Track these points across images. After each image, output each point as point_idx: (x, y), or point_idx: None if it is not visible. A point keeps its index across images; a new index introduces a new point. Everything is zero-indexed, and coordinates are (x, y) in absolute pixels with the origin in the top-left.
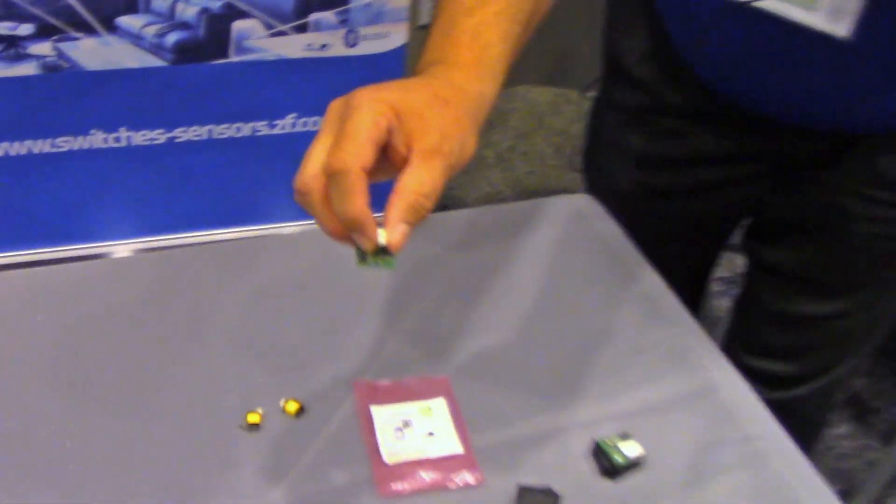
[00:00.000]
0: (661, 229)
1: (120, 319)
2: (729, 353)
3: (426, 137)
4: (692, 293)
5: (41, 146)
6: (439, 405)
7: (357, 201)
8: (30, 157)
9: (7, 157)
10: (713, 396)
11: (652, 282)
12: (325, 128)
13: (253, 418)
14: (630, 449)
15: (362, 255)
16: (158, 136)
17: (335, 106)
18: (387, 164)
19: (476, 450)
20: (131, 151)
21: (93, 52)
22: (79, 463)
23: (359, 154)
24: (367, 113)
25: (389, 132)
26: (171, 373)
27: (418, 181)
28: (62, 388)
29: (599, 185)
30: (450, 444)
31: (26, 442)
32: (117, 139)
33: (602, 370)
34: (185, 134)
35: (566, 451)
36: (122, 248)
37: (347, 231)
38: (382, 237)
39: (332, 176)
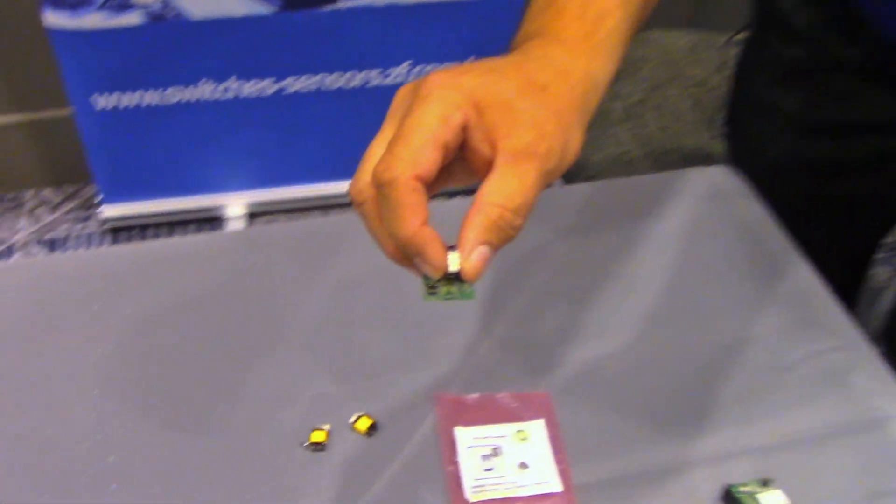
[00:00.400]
0: (818, 212)
1: (187, 312)
2: (892, 338)
3: (515, 135)
4: (849, 294)
5: (151, 97)
6: (537, 429)
7: (407, 218)
8: (140, 110)
9: (117, 110)
10: (880, 431)
11: (805, 279)
12: (388, 122)
13: (318, 436)
14: (772, 500)
15: (431, 285)
16: (268, 86)
17: (402, 93)
18: (465, 168)
19: (578, 487)
20: (241, 103)
21: (198, 0)
22: (120, 481)
23: (413, 160)
24: (436, 105)
25: (465, 129)
26: (233, 378)
27: (504, 192)
28: (111, 391)
29: (744, 153)
30: (547, 478)
31: (65, 451)
32: (226, 90)
33: (737, 392)
34: (295, 84)
35: (689, 496)
36: (233, 201)
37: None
38: (454, 263)
39: (378, 187)
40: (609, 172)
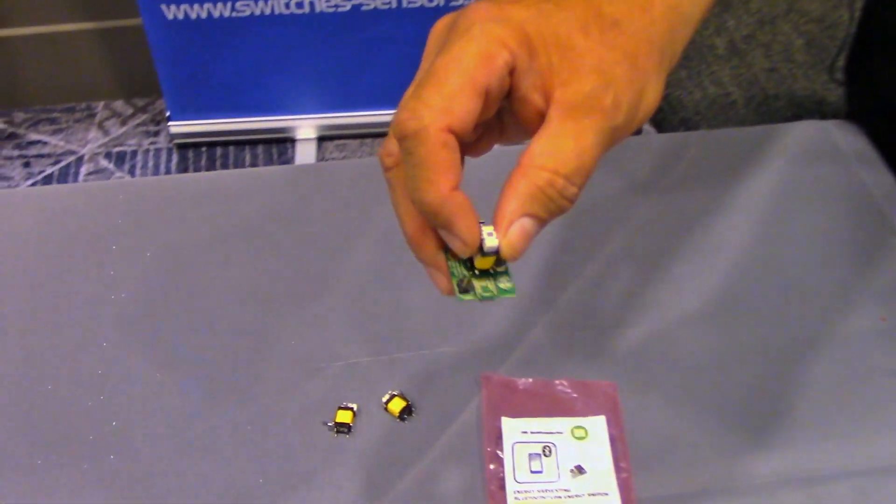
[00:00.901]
0: None
1: (216, 256)
2: None
3: (575, 82)
4: None
5: (221, 10)
6: (598, 427)
7: (435, 180)
8: (211, 21)
9: (188, 20)
10: None
11: None
12: (423, 64)
13: (344, 416)
14: None
15: (461, 278)
16: (344, 2)
17: (439, 28)
18: (512, 122)
19: (641, 502)
20: (315, 19)
21: None
22: (119, 451)
23: (445, 107)
24: (476, 42)
25: (512, 73)
26: (259, 337)
27: (556, 153)
28: (122, 345)
29: (868, 105)
30: (605, 488)
31: (64, 409)
32: (299, 4)
33: (836, 398)
34: (372, 1)
35: None
36: (303, 124)
37: (427, 229)
38: (490, 238)
39: (401, 140)
40: (705, 116)
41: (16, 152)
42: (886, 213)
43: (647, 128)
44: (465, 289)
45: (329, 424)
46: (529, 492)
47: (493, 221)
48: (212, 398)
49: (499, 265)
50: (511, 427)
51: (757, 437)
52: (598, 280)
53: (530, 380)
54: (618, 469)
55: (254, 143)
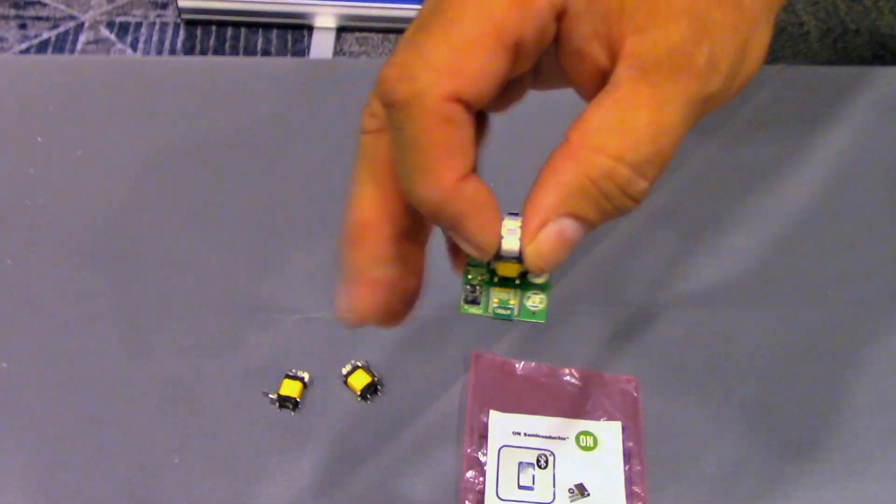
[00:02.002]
0: None
1: (197, 159)
2: None
3: (656, 29)
4: None
5: None
6: (611, 435)
7: (434, 168)
8: None
9: None
10: None
11: None
12: None
13: (290, 387)
14: None
15: (471, 289)
16: None
17: None
18: (552, 71)
19: None
20: None
21: None
22: (12, 396)
23: (453, 65)
24: None
25: (561, 16)
26: (214, 268)
27: (624, 129)
28: (59, 257)
29: None
30: None
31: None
32: None
33: None
34: None
35: None
36: (323, 11)
37: (380, 225)
38: (511, 239)
39: (388, 108)
40: (771, 46)
41: (12, 12)
42: None
43: None
44: (474, 299)
45: (271, 396)
46: None
47: (522, 215)
48: (127, 347)
49: (532, 275)
50: (500, 424)
51: (811, 465)
52: (628, 247)
53: (532, 364)
54: (630, 494)
55: (268, 27)
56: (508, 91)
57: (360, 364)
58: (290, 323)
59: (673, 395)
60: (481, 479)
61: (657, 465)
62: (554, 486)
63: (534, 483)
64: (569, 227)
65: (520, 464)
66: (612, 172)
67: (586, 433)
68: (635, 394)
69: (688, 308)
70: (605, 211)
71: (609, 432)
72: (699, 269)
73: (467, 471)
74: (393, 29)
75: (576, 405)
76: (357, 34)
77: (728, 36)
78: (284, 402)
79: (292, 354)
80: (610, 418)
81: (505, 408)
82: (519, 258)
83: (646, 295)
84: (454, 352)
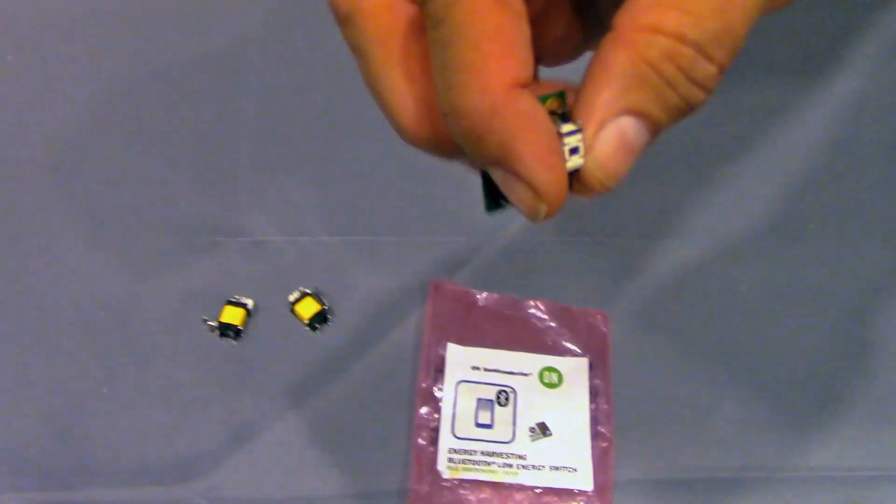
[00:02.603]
0: None
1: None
2: None
3: None
4: None
5: None
6: (576, 372)
7: (482, 67)
8: None
9: None
10: None
11: None
12: None
13: (232, 314)
14: None
15: (491, 194)
16: None
17: None
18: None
19: (622, 485)
20: None
21: None
22: None
23: None
24: None
25: None
26: (144, 184)
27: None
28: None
29: None
30: (574, 458)
31: None
32: None
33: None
34: None
35: None
36: None
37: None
38: (575, 158)
39: None
40: None
41: None
42: None
43: None
44: (497, 199)
45: (211, 323)
46: (470, 454)
47: (576, 119)
48: (54, 268)
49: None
50: (458, 357)
51: (787, 420)
52: None
53: (495, 295)
54: (595, 435)
55: None
56: (563, 37)
57: (308, 291)
58: (235, 245)
59: (644, 332)
60: (436, 415)
61: (625, 404)
62: (514, 425)
63: (492, 421)
64: (630, 127)
65: (478, 400)
66: (673, 53)
67: (551, 369)
68: (604, 329)
69: (663, 241)
70: (671, 104)
71: (575, 369)
72: (676, 202)
73: (421, 406)
74: None
75: (540, 339)
76: None
77: None
78: (225, 330)
79: (236, 279)
80: (577, 353)
81: (464, 341)
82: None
83: (619, 226)
84: (411, 280)
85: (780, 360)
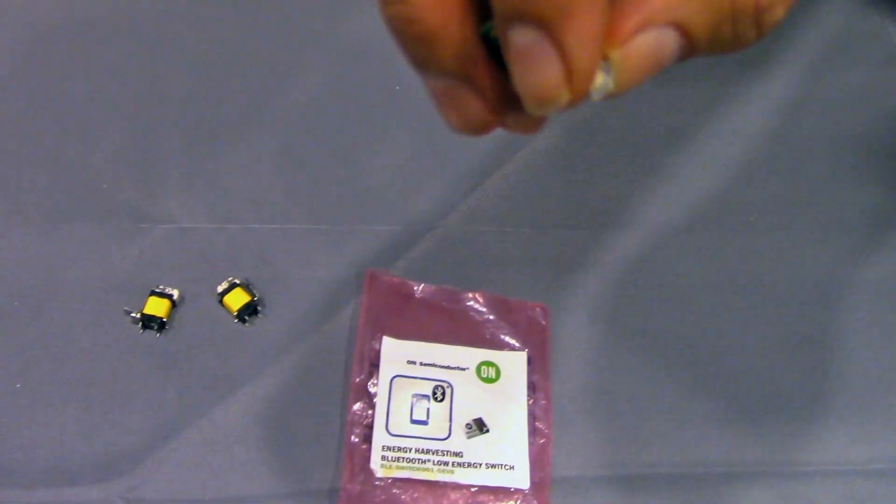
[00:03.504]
0: None
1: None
2: None
3: None
4: None
5: None
6: (515, 366)
7: None
8: None
9: None
10: None
11: None
12: None
13: (156, 306)
14: None
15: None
16: None
17: None
18: None
19: (559, 482)
20: None
21: None
22: None
23: None
24: None
25: None
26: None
27: None
28: None
29: None
30: (511, 455)
31: None
32: None
33: (845, 377)
34: None
35: None
36: None
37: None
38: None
39: None
40: None
41: None
42: None
43: None
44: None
45: (134, 315)
46: (404, 451)
47: (608, 24)
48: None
49: (594, 92)
50: (394, 351)
51: (726, 415)
52: (544, 163)
53: (433, 287)
54: (533, 431)
55: None
56: None
57: (238, 281)
58: (160, 232)
59: (585, 325)
60: (370, 411)
61: (563, 399)
62: (450, 421)
63: (428, 417)
64: (670, 41)
65: (414, 395)
66: None
67: (488, 363)
68: (543, 322)
69: (605, 233)
70: (720, 37)
71: (513, 363)
72: (618, 193)
73: (355, 402)
74: None
75: (479, 333)
76: None
77: None
78: (149, 322)
79: (161, 269)
80: (515, 347)
81: (400, 334)
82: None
83: (560, 217)
84: (346, 270)
85: (721, 355)
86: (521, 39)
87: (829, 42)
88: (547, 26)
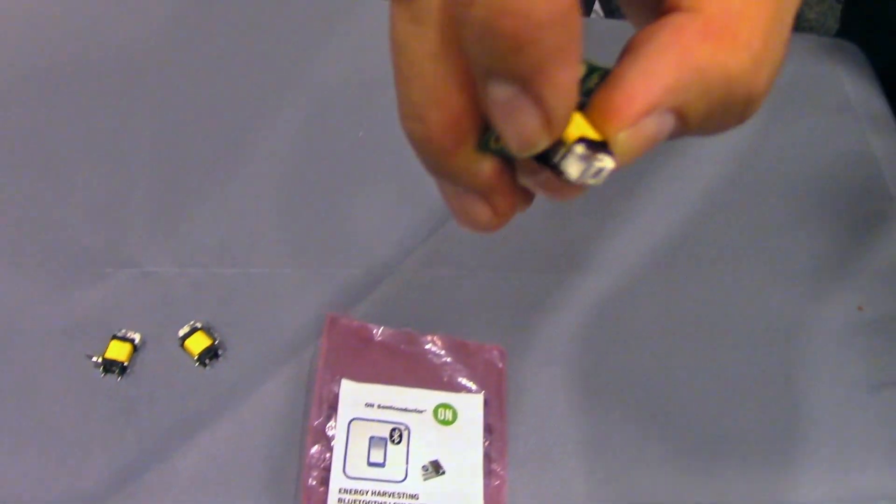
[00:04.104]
0: None
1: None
2: None
3: None
4: None
5: None
6: (471, 408)
7: None
8: None
9: None
10: None
11: None
12: None
13: (118, 350)
14: None
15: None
16: None
17: None
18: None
19: None
20: None
21: None
22: None
23: None
24: None
25: None
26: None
27: (727, 13)
28: None
29: (870, 24)
30: (466, 496)
31: None
32: None
33: (798, 417)
34: None
35: None
36: None
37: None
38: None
39: None
40: None
41: None
42: (874, 149)
43: (595, 8)
44: (485, 141)
45: (95, 359)
46: (361, 494)
47: (607, 107)
48: None
49: (593, 174)
50: (353, 394)
51: (679, 455)
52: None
53: (392, 330)
54: (489, 473)
55: None
56: None
57: (199, 325)
58: (123, 276)
59: (540, 367)
60: (328, 454)
61: (519, 441)
62: (407, 464)
63: (385, 460)
64: (668, 123)
65: (371, 438)
66: (754, 76)
67: (445, 406)
68: (500, 364)
69: (562, 276)
70: (709, 122)
71: (470, 405)
72: (575, 237)
73: (313, 445)
74: None
75: (436, 375)
76: None
77: None
78: (110, 366)
79: (123, 312)
80: (472, 391)
81: (359, 377)
82: (601, 144)
83: (518, 260)
84: (306, 314)
85: (674, 396)
86: (500, 95)
87: (783, 89)
88: (524, 82)
